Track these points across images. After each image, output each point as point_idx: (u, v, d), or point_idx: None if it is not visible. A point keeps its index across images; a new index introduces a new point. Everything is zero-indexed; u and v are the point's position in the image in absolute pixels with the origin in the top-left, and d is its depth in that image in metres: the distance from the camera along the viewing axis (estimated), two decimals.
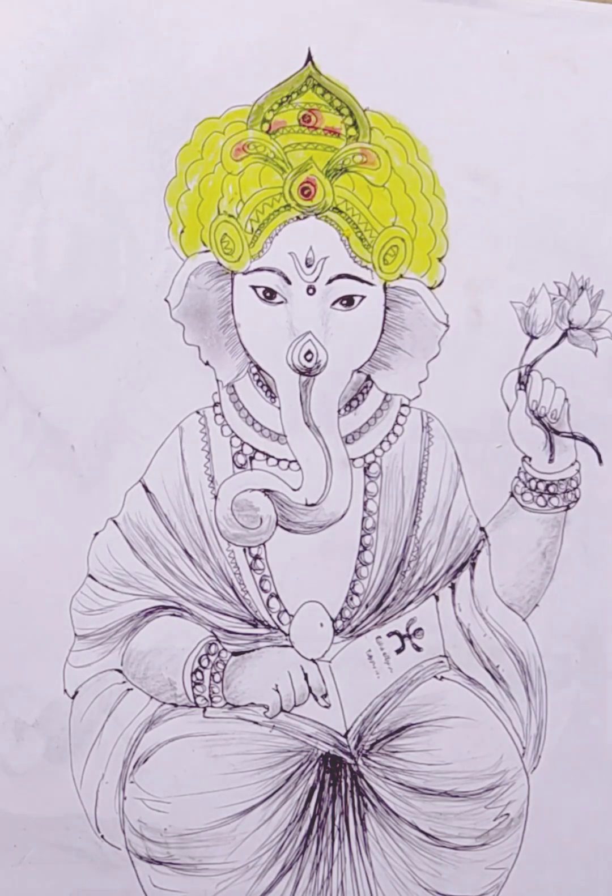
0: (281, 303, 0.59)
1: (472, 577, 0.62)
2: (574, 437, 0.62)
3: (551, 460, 0.62)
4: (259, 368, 0.59)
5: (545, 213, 0.60)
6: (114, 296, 0.58)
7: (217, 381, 0.59)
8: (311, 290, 0.59)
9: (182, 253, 0.59)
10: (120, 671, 0.59)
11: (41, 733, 0.58)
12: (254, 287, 0.59)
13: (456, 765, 0.61)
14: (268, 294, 0.59)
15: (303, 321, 0.59)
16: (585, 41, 0.63)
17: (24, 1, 0.57)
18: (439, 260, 0.61)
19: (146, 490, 0.59)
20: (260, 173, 0.59)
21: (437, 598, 0.62)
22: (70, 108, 0.57)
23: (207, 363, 0.59)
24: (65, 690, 0.58)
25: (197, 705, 0.59)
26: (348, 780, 0.61)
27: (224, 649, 0.59)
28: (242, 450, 0.59)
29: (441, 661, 0.62)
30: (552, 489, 0.62)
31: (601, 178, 0.62)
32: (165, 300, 0.58)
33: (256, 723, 0.60)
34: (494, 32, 0.62)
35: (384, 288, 0.60)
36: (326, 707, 0.61)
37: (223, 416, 0.59)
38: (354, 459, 0.60)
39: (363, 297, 0.60)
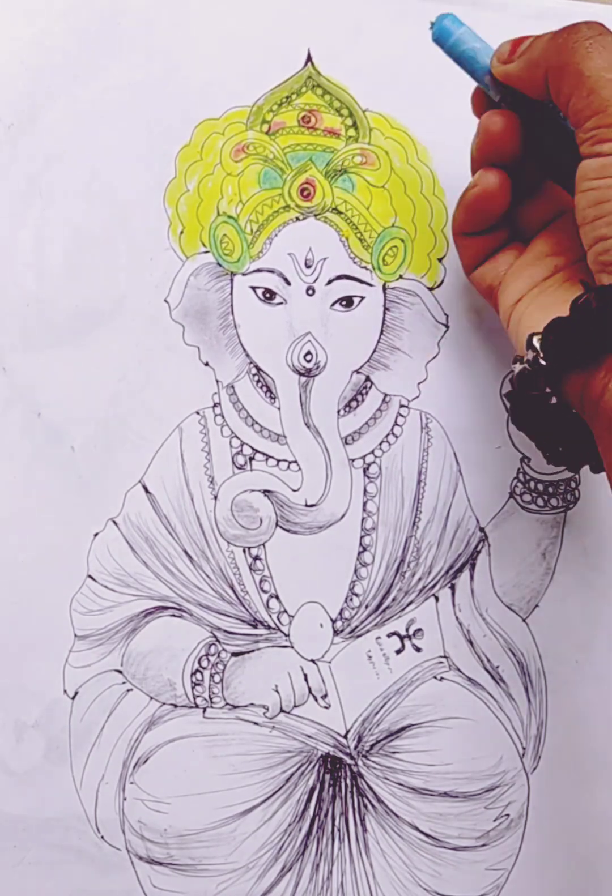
0: (280, 304, 0.60)
1: (472, 577, 0.63)
2: None
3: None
4: (259, 369, 0.60)
5: None
6: (114, 296, 0.59)
7: (217, 381, 0.60)
8: (310, 291, 0.60)
9: (182, 254, 0.59)
10: (120, 672, 0.59)
11: (41, 733, 0.58)
12: (253, 288, 0.60)
13: (456, 765, 0.62)
14: (267, 295, 0.60)
15: (302, 322, 0.60)
16: None
17: (24, 1, 0.57)
18: (439, 261, 0.62)
19: (146, 491, 0.59)
20: (259, 174, 0.60)
21: (437, 599, 0.62)
22: (70, 108, 0.58)
23: (206, 364, 0.60)
24: (65, 691, 0.59)
25: (197, 706, 0.60)
26: (348, 781, 0.61)
27: (224, 650, 0.60)
28: (241, 450, 0.60)
29: (441, 662, 0.62)
30: (551, 490, 0.62)
31: None
32: (165, 301, 0.59)
33: (256, 723, 0.60)
34: (492, 33, 0.62)
35: (384, 289, 0.61)
36: (325, 708, 0.61)
37: (223, 417, 0.60)
38: (353, 460, 0.61)
39: (363, 297, 0.61)
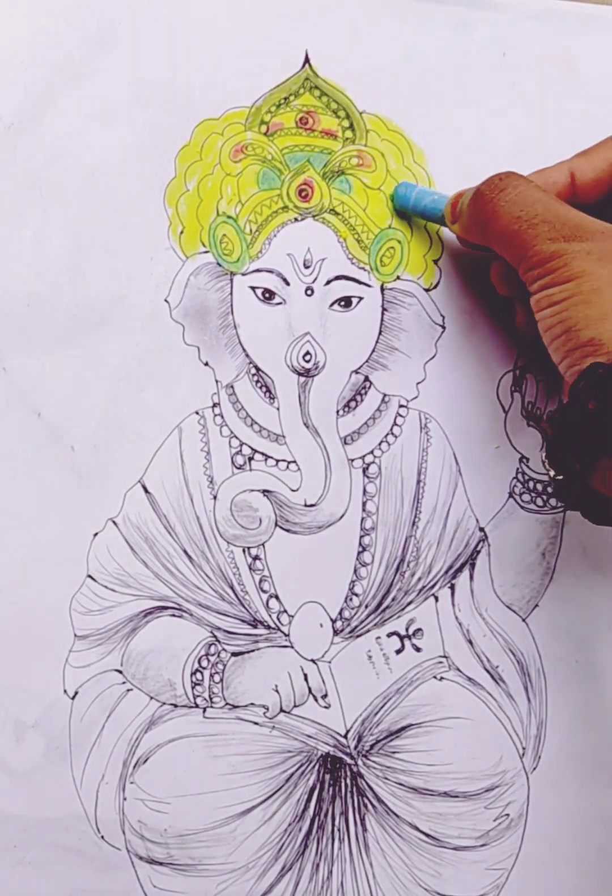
0: (280, 304, 0.60)
1: (471, 577, 0.63)
2: None
3: None
4: (258, 369, 0.60)
5: None
6: (114, 296, 0.59)
7: (216, 381, 0.60)
8: (309, 292, 0.60)
9: (182, 254, 0.60)
10: (120, 671, 0.59)
11: (41, 733, 0.59)
12: (253, 288, 0.60)
13: (456, 765, 0.62)
14: (267, 295, 0.60)
15: (301, 322, 0.60)
16: (582, 43, 0.64)
17: (24, 1, 0.58)
18: (435, 262, 0.62)
19: (146, 491, 0.59)
20: (258, 175, 0.60)
21: (436, 599, 0.63)
22: (70, 108, 0.59)
23: (206, 364, 0.60)
24: (65, 691, 0.59)
25: (197, 706, 0.60)
26: (348, 781, 0.61)
27: (224, 650, 0.60)
28: (241, 450, 0.60)
29: (441, 662, 0.62)
30: (550, 490, 0.62)
31: None
32: (165, 301, 0.59)
33: (256, 723, 0.61)
34: (490, 34, 0.63)
35: (382, 289, 0.61)
36: (325, 707, 0.61)
37: (222, 417, 0.60)
38: (353, 460, 0.61)
39: (361, 298, 0.61)
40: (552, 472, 0.50)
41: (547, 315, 0.51)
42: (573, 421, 0.47)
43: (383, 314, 0.62)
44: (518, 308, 0.60)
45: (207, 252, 0.60)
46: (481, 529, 0.63)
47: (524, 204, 0.53)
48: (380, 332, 0.62)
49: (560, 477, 0.50)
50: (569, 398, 0.48)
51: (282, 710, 0.61)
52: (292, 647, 0.62)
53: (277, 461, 0.61)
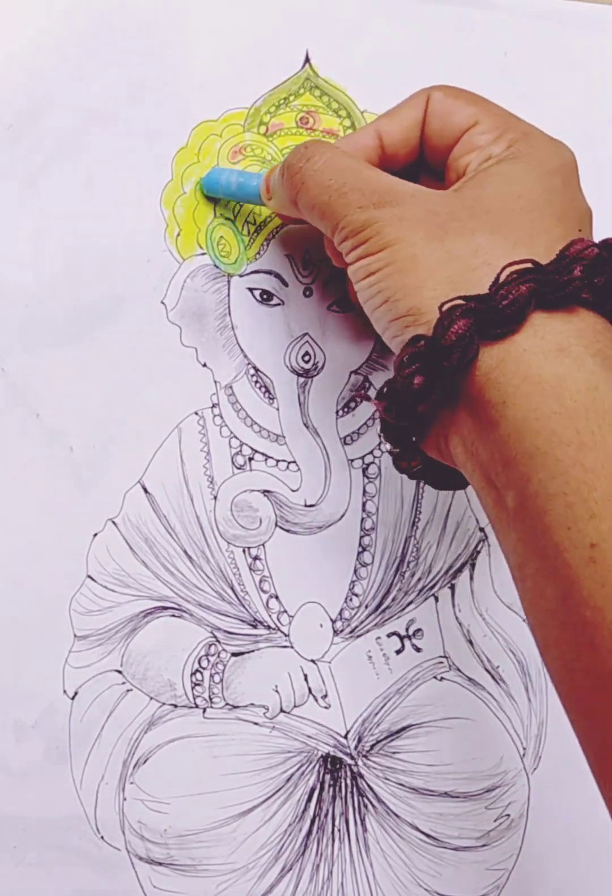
0: (278, 305, 0.60)
1: (471, 577, 0.63)
2: None
3: None
4: (257, 370, 0.60)
5: None
6: (112, 298, 0.59)
7: (215, 382, 0.60)
8: (308, 292, 0.60)
9: (179, 256, 0.59)
10: (120, 672, 0.59)
11: (41, 734, 0.59)
12: (251, 289, 0.60)
13: (456, 765, 0.62)
14: (265, 296, 0.60)
15: (300, 323, 0.60)
16: (584, 42, 0.64)
17: (24, 2, 0.58)
18: None
19: (145, 491, 0.59)
20: None
21: (436, 599, 0.62)
22: (68, 109, 0.59)
23: (204, 365, 0.60)
24: (65, 691, 0.59)
25: (197, 706, 0.60)
26: (348, 781, 0.61)
27: (224, 650, 0.60)
28: (240, 451, 0.60)
29: (441, 662, 0.62)
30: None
31: (600, 181, 0.63)
32: (162, 303, 0.59)
33: (256, 723, 0.61)
34: (492, 34, 0.63)
35: None
36: (325, 708, 0.61)
37: (222, 418, 0.60)
38: (352, 460, 0.61)
39: None
40: (388, 447, 0.50)
41: (365, 286, 0.48)
42: (401, 396, 0.46)
43: None
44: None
45: (203, 254, 0.60)
46: (481, 529, 0.63)
47: (332, 172, 0.50)
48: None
49: (398, 450, 0.50)
50: (395, 373, 0.46)
51: (282, 711, 0.61)
52: (292, 647, 0.62)
53: (278, 461, 0.61)
